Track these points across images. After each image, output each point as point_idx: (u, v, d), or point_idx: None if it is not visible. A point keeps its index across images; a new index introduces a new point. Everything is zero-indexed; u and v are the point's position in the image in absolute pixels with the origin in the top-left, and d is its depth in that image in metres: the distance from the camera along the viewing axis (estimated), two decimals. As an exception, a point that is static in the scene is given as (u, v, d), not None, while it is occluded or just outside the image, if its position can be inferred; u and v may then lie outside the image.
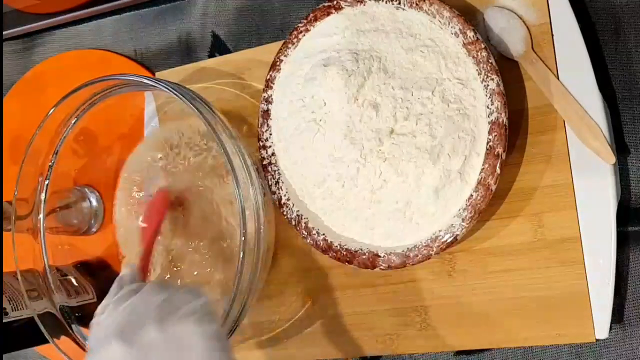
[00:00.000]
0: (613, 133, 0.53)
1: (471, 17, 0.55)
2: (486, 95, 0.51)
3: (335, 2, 0.56)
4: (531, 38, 0.54)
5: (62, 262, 0.62)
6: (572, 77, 0.53)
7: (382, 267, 0.53)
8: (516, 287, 0.54)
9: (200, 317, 0.43)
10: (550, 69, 0.53)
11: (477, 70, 0.51)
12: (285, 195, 0.57)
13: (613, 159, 0.51)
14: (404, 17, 0.54)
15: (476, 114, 0.51)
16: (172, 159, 0.63)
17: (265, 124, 0.58)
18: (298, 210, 0.56)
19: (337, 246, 0.55)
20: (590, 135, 0.51)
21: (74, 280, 0.62)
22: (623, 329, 0.54)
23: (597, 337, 0.52)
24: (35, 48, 0.78)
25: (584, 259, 0.52)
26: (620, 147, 0.54)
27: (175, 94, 0.52)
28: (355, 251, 0.54)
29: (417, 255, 0.52)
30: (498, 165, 0.50)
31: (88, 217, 0.67)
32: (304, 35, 0.57)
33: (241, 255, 0.51)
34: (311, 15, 0.57)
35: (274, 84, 0.58)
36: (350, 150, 0.52)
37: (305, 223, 0.56)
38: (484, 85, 0.51)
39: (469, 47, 0.52)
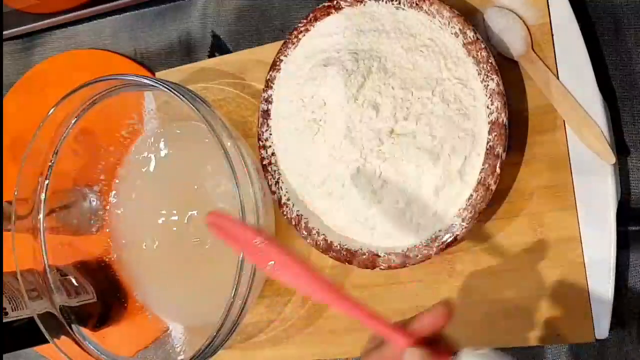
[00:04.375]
0: (613, 133, 0.53)
1: (471, 17, 0.55)
2: (486, 95, 0.51)
3: (335, 2, 0.56)
4: (531, 38, 0.54)
5: (62, 262, 0.62)
6: (572, 77, 0.53)
7: (382, 267, 0.53)
8: (516, 287, 0.54)
9: None
10: (550, 69, 0.53)
11: (477, 70, 0.51)
12: (285, 195, 0.57)
13: (613, 159, 0.51)
14: (404, 17, 0.54)
15: (476, 114, 0.51)
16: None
17: (265, 124, 0.58)
18: (298, 210, 0.56)
19: (337, 246, 0.55)
20: (590, 135, 0.51)
21: (74, 280, 0.62)
22: (623, 329, 0.54)
23: (597, 337, 0.52)
24: (35, 48, 0.78)
25: (584, 259, 0.52)
26: (620, 147, 0.54)
27: (175, 94, 0.52)
28: (355, 251, 0.54)
29: (417, 255, 0.52)
30: (498, 165, 0.50)
31: (88, 217, 0.67)
32: (304, 35, 0.57)
33: (241, 255, 0.51)
34: (311, 15, 0.57)
35: (274, 84, 0.58)
36: (350, 150, 0.52)
37: (305, 223, 0.56)
38: (484, 85, 0.51)
39: (469, 47, 0.52)
